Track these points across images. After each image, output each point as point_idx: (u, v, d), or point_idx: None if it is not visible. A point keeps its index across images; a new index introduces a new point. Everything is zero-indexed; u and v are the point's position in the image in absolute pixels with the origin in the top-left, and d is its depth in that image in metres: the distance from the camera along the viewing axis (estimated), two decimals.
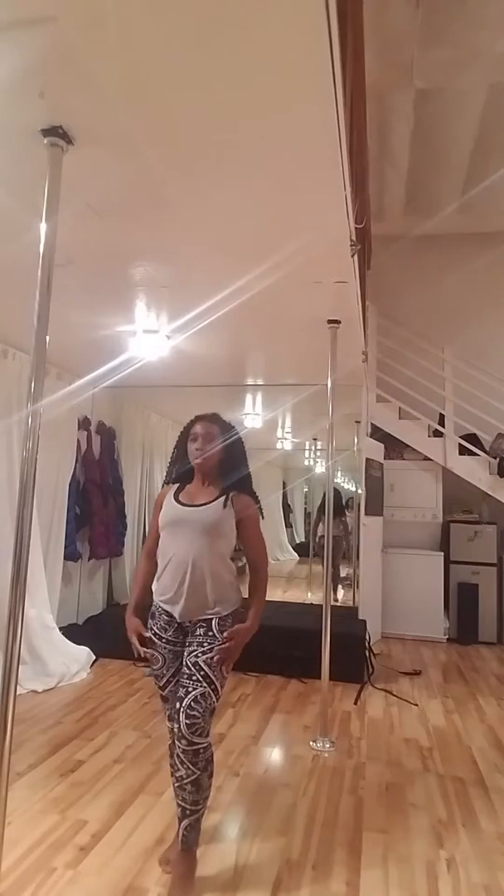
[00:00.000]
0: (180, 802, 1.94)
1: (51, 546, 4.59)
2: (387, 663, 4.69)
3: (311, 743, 3.12)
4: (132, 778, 2.67)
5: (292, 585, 8.73)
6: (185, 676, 1.94)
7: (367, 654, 4.34)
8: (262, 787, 2.63)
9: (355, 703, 3.76)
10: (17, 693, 1.76)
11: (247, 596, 2.06)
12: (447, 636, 5.57)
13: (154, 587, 2.10)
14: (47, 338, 1.74)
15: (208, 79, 1.61)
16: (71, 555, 4.84)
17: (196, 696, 1.89)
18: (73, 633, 4.52)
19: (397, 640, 5.48)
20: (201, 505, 2.02)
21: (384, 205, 5.88)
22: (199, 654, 1.93)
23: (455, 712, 3.69)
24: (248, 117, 1.77)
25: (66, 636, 4.37)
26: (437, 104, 4.49)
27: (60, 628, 4.40)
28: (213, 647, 1.93)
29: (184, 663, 1.96)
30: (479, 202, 5.60)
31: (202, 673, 1.91)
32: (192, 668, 1.93)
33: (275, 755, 3.00)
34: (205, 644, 1.94)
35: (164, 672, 2.03)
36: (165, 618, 2.04)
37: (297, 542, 12.89)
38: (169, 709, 2.04)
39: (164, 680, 2.03)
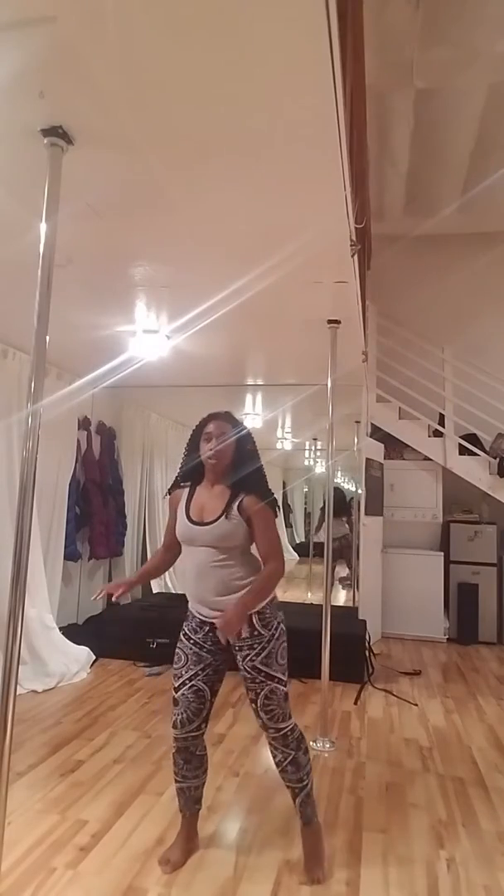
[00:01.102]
0: (288, 784, 2.05)
1: (51, 546, 4.59)
2: (387, 663, 4.69)
3: (311, 743, 3.10)
4: (132, 778, 2.67)
5: (292, 585, 8.73)
6: (248, 681, 1.98)
7: (367, 654, 4.34)
8: (262, 787, 2.63)
9: (355, 703, 3.76)
10: (17, 693, 1.76)
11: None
12: (447, 636, 5.57)
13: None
14: (47, 338, 1.74)
15: (208, 78, 1.61)
16: (71, 555, 4.84)
17: (266, 695, 1.96)
18: (73, 633, 4.52)
19: (397, 640, 5.48)
20: (209, 523, 2.01)
21: (384, 205, 5.87)
22: (254, 658, 1.96)
23: (455, 712, 3.68)
24: (247, 117, 1.77)
25: (66, 636, 4.37)
26: (437, 104, 4.48)
27: (60, 628, 4.40)
28: (263, 646, 1.96)
29: (241, 668, 1.99)
30: (479, 202, 5.59)
31: (263, 674, 1.96)
32: (253, 673, 1.97)
33: (276, 751, 2.99)
34: (255, 646, 1.96)
35: (183, 672, 2.04)
36: (198, 620, 2.06)
37: (297, 542, 12.90)
38: (176, 714, 2.04)
39: (181, 681, 2.04)
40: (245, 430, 2.12)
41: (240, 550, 2.03)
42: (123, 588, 2.11)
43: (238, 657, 2.00)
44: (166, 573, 6.65)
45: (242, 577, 2.00)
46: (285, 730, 1.99)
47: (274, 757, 2.04)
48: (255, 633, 1.96)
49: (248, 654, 1.96)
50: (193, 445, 2.12)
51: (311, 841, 2.06)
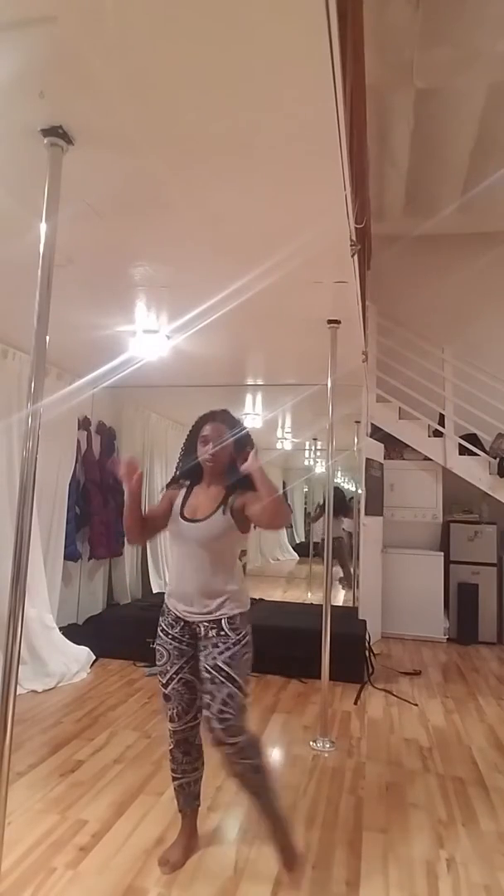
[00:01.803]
0: (245, 792, 1.98)
1: (51, 546, 4.59)
2: (387, 663, 4.69)
3: (311, 743, 3.12)
4: (132, 778, 2.67)
5: (292, 585, 8.73)
6: (208, 682, 1.93)
7: (367, 654, 4.34)
8: None
9: (355, 703, 3.76)
10: (17, 693, 1.76)
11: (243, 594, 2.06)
12: (447, 636, 5.57)
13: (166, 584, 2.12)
14: (47, 338, 1.75)
15: (208, 79, 1.61)
16: (71, 555, 4.84)
17: (224, 699, 1.90)
18: (73, 633, 4.52)
19: (397, 640, 5.48)
20: (202, 520, 2.01)
21: (384, 205, 5.87)
22: (217, 656, 1.94)
23: (455, 712, 3.68)
24: (248, 117, 1.77)
25: (66, 636, 4.37)
26: (437, 104, 4.48)
27: (60, 628, 4.40)
28: (228, 646, 1.93)
29: (202, 668, 1.96)
30: (479, 202, 5.59)
31: (223, 674, 1.91)
32: (213, 671, 1.93)
33: (275, 755, 3.00)
34: (219, 645, 1.95)
35: (168, 668, 2.04)
36: (174, 614, 2.05)
37: (297, 542, 12.89)
38: (171, 709, 2.04)
39: (167, 677, 2.04)
40: (243, 431, 2.11)
41: (227, 554, 2.03)
42: (139, 476, 2.02)
43: (201, 657, 1.98)
44: (166, 573, 6.67)
45: (225, 581, 2.00)
46: (239, 742, 1.89)
47: (232, 771, 1.94)
48: (222, 633, 1.95)
49: (212, 653, 1.95)
50: (191, 446, 2.12)
51: (285, 839, 2.00)
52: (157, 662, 2.07)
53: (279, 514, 1.96)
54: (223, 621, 1.97)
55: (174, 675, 2.03)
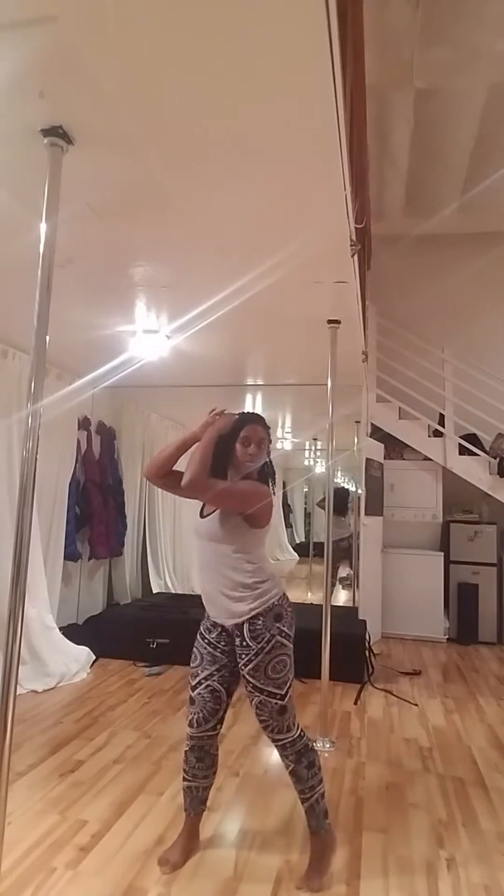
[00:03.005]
0: (297, 794, 2.04)
1: (51, 546, 4.59)
2: (387, 663, 4.69)
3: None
4: (132, 778, 2.67)
5: (292, 585, 8.73)
6: (245, 686, 1.99)
7: (367, 654, 4.34)
8: (262, 787, 2.63)
9: (355, 703, 3.76)
10: (17, 693, 1.76)
11: (267, 579, 2.02)
12: (447, 636, 5.57)
13: None
14: (47, 338, 1.74)
15: (208, 79, 1.61)
16: (71, 555, 4.84)
17: (257, 705, 1.97)
18: (73, 633, 4.52)
19: (397, 640, 5.48)
20: (210, 514, 2.03)
21: (384, 205, 5.88)
22: (243, 668, 1.97)
23: (455, 712, 3.68)
24: (247, 117, 1.77)
25: (66, 636, 4.37)
26: (437, 104, 4.48)
27: (60, 628, 4.40)
28: (250, 658, 1.95)
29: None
30: (479, 202, 5.59)
31: (250, 685, 1.96)
32: (244, 681, 1.98)
33: (275, 755, 2.98)
34: (243, 656, 1.97)
35: (199, 672, 2.05)
36: (211, 619, 2.07)
37: (297, 542, 12.90)
38: (193, 713, 2.05)
39: (197, 680, 2.06)
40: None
41: (242, 548, 1.99)
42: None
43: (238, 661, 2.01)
44: (166, 574, 6.67)
45: (242, 578, 1.98)
46: (283, 741, 1.98)
47: (285, 766, 2.04)
48: (244, 644, 1.96)
49: (241, 662, 1.98)
50: (225, 445, 2.04)
51: (315, 850, 2.03)
52: (191, 664, 2.09)
53: (189, 486, 1.91)
54: (245, 627, 1.96)
55: (202, 681, 2.04)
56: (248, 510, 1.97)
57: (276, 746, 2.00)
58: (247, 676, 1.96)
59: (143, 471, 6.36)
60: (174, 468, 2.07)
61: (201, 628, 2.10)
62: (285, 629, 2.01)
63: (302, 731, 2.03)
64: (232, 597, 1.98)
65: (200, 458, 1.92)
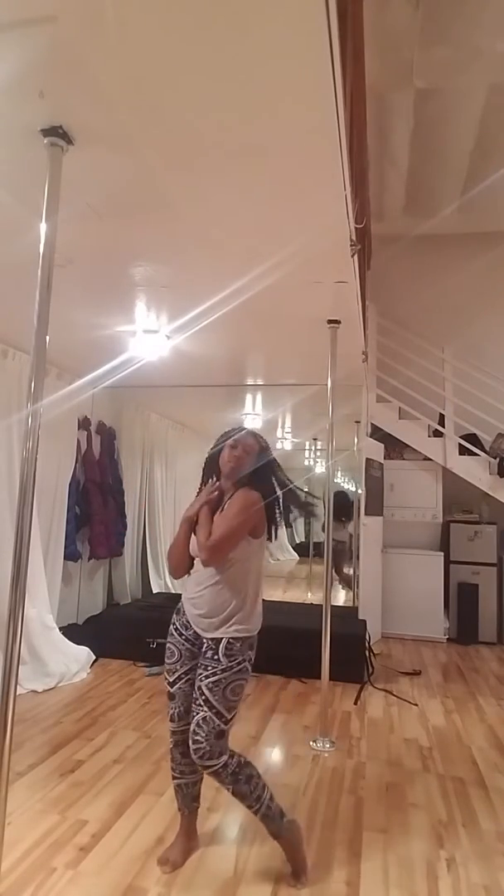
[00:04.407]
0: (246, 808, 1.96)
1: (51, 546, 4.59)
2: (387, 663, 4.69)
3: (311, 743, 3.11)
4: (132, 778, 2.67)
5: (292, 585, 8.73)
6: (194, 700, 1.95)
7: (367, 654, 4.34)
8: None
9: (355, 703, 3.76)
10: (17, 693, 1.76)
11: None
12: (447, 636, 5.57)
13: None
14: (47, 338, 1.74)
15: (208, 79, 1.61)
16: (71, 555, 4.84)
17: (199, 721, 1.90)
18: (73, 633, 4.52)
19: (397, 640, 5.48)
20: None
21: (384, 205, 5.88)
22: (203, 678, 1.93)
23: (455, 712, 3.68)
24: (247, 117, 1.77)
25: (66, 636, 4.37)
26: (437, 104, 4.48)
27: (60, 628, 4.40)
28: (215, 672, 1.92)
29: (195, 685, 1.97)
30: (479, 202, 5.59)
31: (203, 697, 1.91)
32: (197, 692, 1.94)
33: (275, 755, 3.00)
34: (209, 668, 1.93)
35: (177, 668, 2.04)
36: (187, 617, 2.05)
37: (297, 542, 12.89)
38: (173, 708, 2.05)
39: (175, 676, 2.05)
40: (271, 458, 2.10)
41: (232, 570, 1.97)
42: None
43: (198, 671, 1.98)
44: (166, 574, 6.67)
45: (230, 599, 1.96)
46: (216, 767, 1.88)
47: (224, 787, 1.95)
48: (216, 657, 1.93)
49: (202, 673, 1.95)
50: (213, 461, 2.09)
51: (287, 851, 2.00)
52: (167, 660, 2.07)
53: (208, 555, 1.93)
54: (221, 644, 1.94)
55: (182, 675, 2.03)
56: (254, 521, 1.97)
57: (210, 774, 1.90)
58: (204, 688, 1.91)
59: (143, 471, 6.37)
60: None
61: (176, 623, 2.07)
62: (252, 659, 2.00)
63: (231, 752, 1.94)
64: (218, 615, 1.96)
65: (205, 530, 1.94)
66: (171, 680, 2.05)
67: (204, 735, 1.88)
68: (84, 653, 4.33)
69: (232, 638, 1.95)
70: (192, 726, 1.91)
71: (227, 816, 2.38)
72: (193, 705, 1.93)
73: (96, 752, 2.93)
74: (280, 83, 1.62)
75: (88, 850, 2.11)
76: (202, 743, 1.88)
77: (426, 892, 1.96)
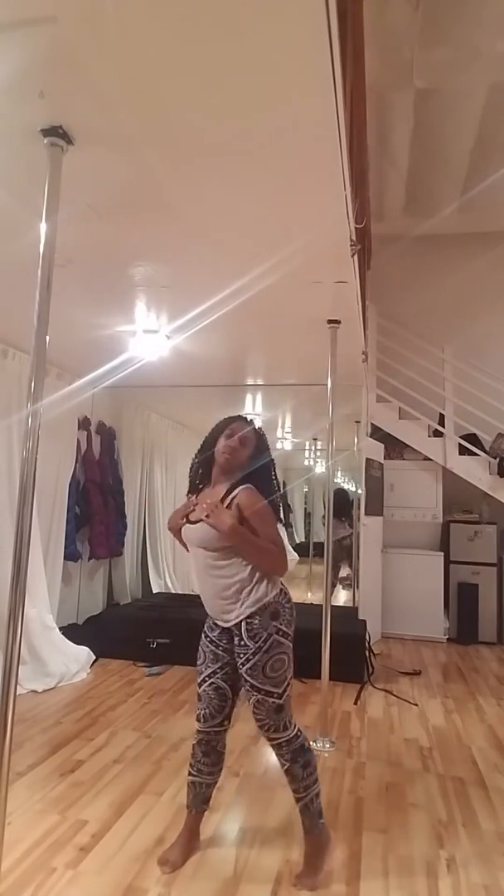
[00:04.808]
0: (292, 793, 2.02)
1: (51, 546, 4.59)
2: (387, 663, 4.69)
3: (311, 743, 3.11)
4: (132, 778, 2.67)
5: (292, 585, 8.72)
6: (243, 684, 1.99)
7: (367, 654, 4.34)
8: (262, 787, 2.63)
9: (355, 703, 3.76)
10: (17, 693, 1.76)
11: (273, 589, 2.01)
12: (447, 636, 5.57)
13: None
14: (47, 338, 1.74)
15: (208, 79, 1.61)
16: (71, 555, 4.84)
17: (254, 704, 1.97)
18: (73, 633, 4.52)
19: (397, 640, 5.48)
20: (198, 521, 1.99)
21: (384, 205, 5.87)
22: (241, 667, 1.97)
23: (455, 712, 3.68)
24: (247, 117, 1.77)
25: (66, 636, 4.37)
26: (437, 104, 4.48)
27: (60, 628, 4.40)
28: (248, 658, 1.94)
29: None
30: (479, 202, 5.59)
31: (249, 684, 1.96)
32: (242, 679, 1.98)
33: (275, 755, 3.00)
34: (241, 655, 1.97)
35: (203, 669, 2.07)
36: (212, 617, 2.08)
37: (297, 542, 12.90)
38: (200, 709, 2.07)
39: (202, 677, 2.08)
40: (270, 459, 2.10)
41: (235, 552, 1.96)
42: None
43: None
44: (166, 574, 6.67)
45: (241, 587, 1.96)
46: (279, 740, 1.98)
47: (280, 765, 2.03)
48: (242, 643, 1.95)
49: (240, 661, 1.98)
50: (207, 448, 2.08)
51: (309, 850, 2.02)
52: (197, 661, 2.11)
53: (270, 565, 1.98)
54: (242, 627, 1.95)
55: (207, 678, 2.06)
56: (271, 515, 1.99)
57: (272, 745, 2.00)
58: (245, 675, 1.96)
59: (143, 471, 6.37)
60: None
61: (205, 626, 2.11)
62: (283, 627, 1.99)
63: (299, 730, 2.02)
64: (226, 600, 1.98)
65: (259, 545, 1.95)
66: (198, 681, 2.09)
67: (264, 714, 1.95)
68: (84, 653, 4.33)
69: (248, 617, 1.95)
70: (252, 707, 1.97)
71: (227, 817, 2.38)
72: (245, 689, 1.98)
73: (96, 752, 2.93)
74: (280, 83, 1.62)
75: (88, 850, 2.11)
76: (264, 720, 1.96)
77: (426, 892, 1.96)
